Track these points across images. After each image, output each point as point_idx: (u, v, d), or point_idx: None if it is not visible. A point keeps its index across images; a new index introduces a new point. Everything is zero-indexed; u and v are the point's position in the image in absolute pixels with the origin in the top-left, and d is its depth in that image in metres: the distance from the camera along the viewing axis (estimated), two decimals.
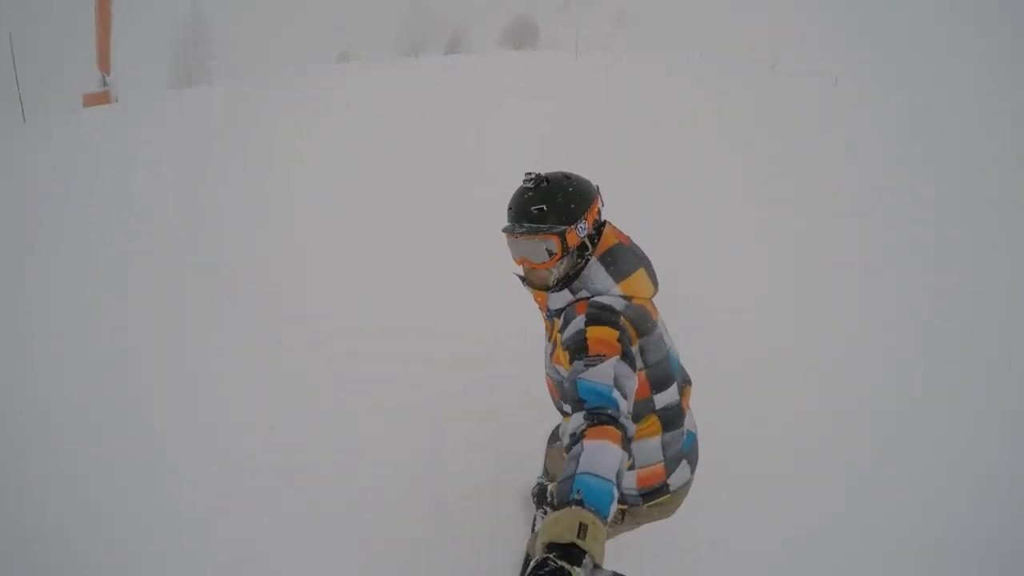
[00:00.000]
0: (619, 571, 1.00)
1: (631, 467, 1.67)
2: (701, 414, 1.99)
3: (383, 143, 3.99)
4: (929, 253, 3.46)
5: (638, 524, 1.79)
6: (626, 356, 1.39)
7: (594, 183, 1.64)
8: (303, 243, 3.29)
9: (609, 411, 1.25)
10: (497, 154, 3.66)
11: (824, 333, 3.08)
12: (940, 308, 3.19)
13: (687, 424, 1.75)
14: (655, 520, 1.80)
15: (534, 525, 2.39)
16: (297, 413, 2.64)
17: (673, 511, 1.80)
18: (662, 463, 1.68)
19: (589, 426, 1.21)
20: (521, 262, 1.63)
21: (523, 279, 1.68)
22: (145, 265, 3.10)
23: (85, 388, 2.61)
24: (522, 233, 1.55)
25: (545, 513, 2.38)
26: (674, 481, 1.72)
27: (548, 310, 1.66)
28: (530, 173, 1.59)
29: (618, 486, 1.11)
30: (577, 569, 0.96)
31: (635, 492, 1.70)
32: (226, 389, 2.68)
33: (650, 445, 1.65)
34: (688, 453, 1.75)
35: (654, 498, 1.71)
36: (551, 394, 1.77)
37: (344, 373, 2.80)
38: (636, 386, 1.40)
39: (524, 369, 2.43)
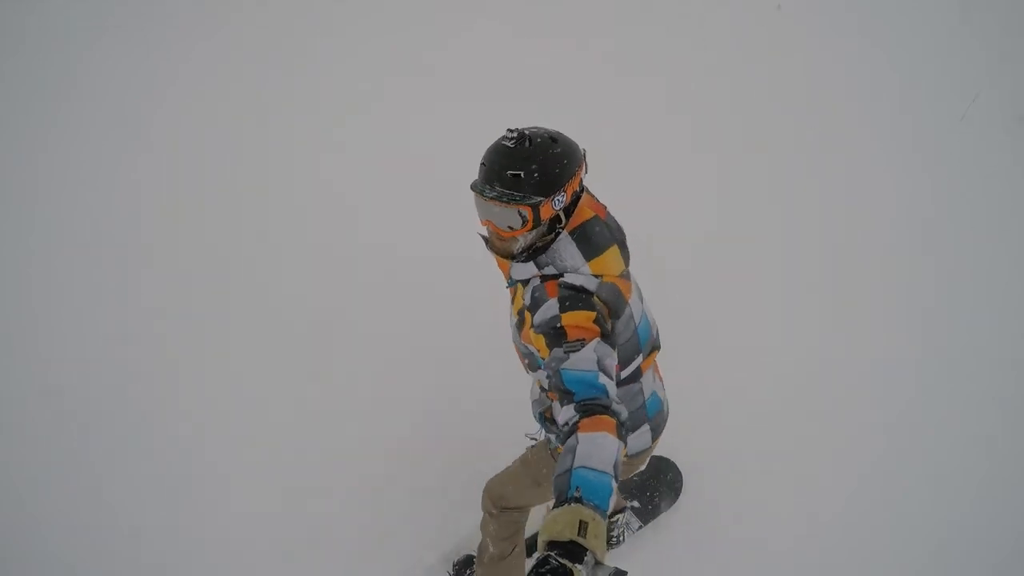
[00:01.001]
0: (621, 567, 1.00)
1: None
2: (696, 403, 1.99)
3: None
4: (931, 246, 3.45)
5: None
6: (605, 336, 1.34)
7: (581, 147, 1.50)
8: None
9: (599, 399, 1.22)
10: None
11: (822, 328, 3.07)
12: (939, 302, 3.19)
13: (652, 386, 1.72)
14: None
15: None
16: (299, 405, 2.65)
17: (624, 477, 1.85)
18: None
19: (582, 417, 1.19)
20: (486, 224, 1.51)
21: (487, 241, 1.57)
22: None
23: (87, 376, 2.62)
24: (492, 197, 1.41)
25: None
26: (632, 445, 1.70)
27: (510, 277, 1.57)
28: (513, 130, 1.44)
29: (616, 477, 1.09)
30: (579, 567, 0.96)
31: None
32: (229, 378, 2.71)
33: None
34: (652, 419, 1.72)
35: None
36: (520, 360, 1.72)
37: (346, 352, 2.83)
38: (615, 363, 1.35)
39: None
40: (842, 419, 2.75)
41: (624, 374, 1.61)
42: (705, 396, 2.61)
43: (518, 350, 1.69)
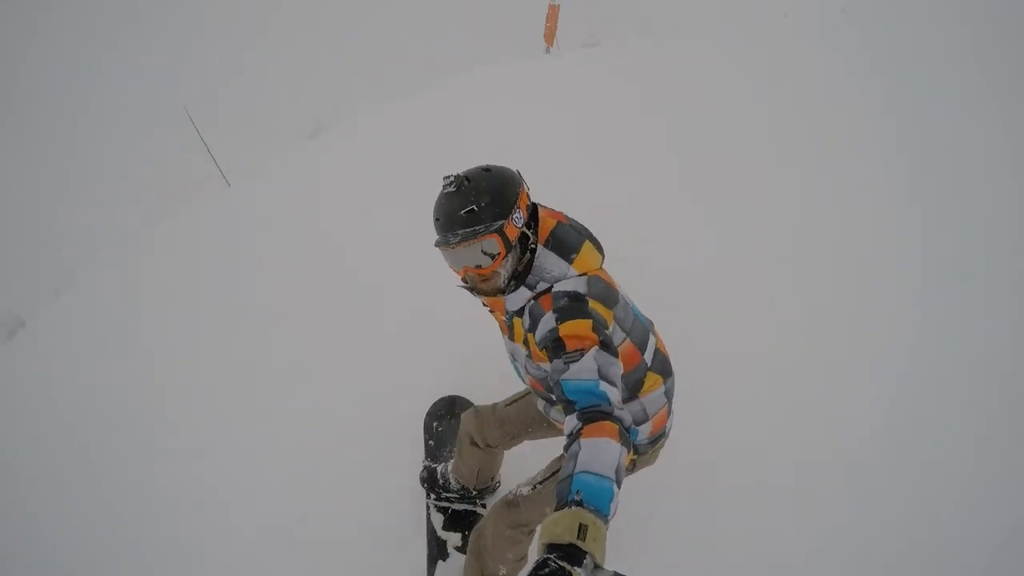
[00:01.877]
0: (620, 571, 1.00)
1: (646, 418, 1.70)
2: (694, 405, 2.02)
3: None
4: (930, 248, 3.44)
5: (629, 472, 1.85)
6: (605, 344, 1.37)
7: (514, 167, 1.58)
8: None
9: (601, 407, 1.24)
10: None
11: (812, 330, 3.06)
12: (925, 301, 3.18)
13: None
14: (644, 467, 1.87)
15: (428, 514, 2.32)
16: (297, 411, 2.65)
17: (656, 458, 1.89)
18: (666, 406, 1.75)
19: (584, 424, 1.20)
20: (465, 272, 1.54)
21: (471, 290, 1.59)
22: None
23: (93, 386, 2.62)
24: (458, 242, 1.46)
25: (437, 497, 2.32)
26: (669, 425, 1.82)
27: (507, 312, 1.59)
28: (448, 176, 1.51)
29: (619, 482, 1.11)
30: (577, 569, 0.97)
31: (647, 441, 1.76)
32: (230, 386, 2.70)
33: (657, 394, 1.70)
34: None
35: (657, 443, 1.81)
36: (537, 389, 1.76)
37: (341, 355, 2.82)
38: (621, 369, 1.38)
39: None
40: (841, 420, 2.75)
41: (649, 356, 1.67)
42: (702, 399, 2.60)
43: (534, 380, 1.70)
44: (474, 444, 2.11)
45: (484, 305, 1.65)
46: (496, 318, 1.71)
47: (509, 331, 1.66)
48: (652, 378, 1.68)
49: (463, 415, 2.13)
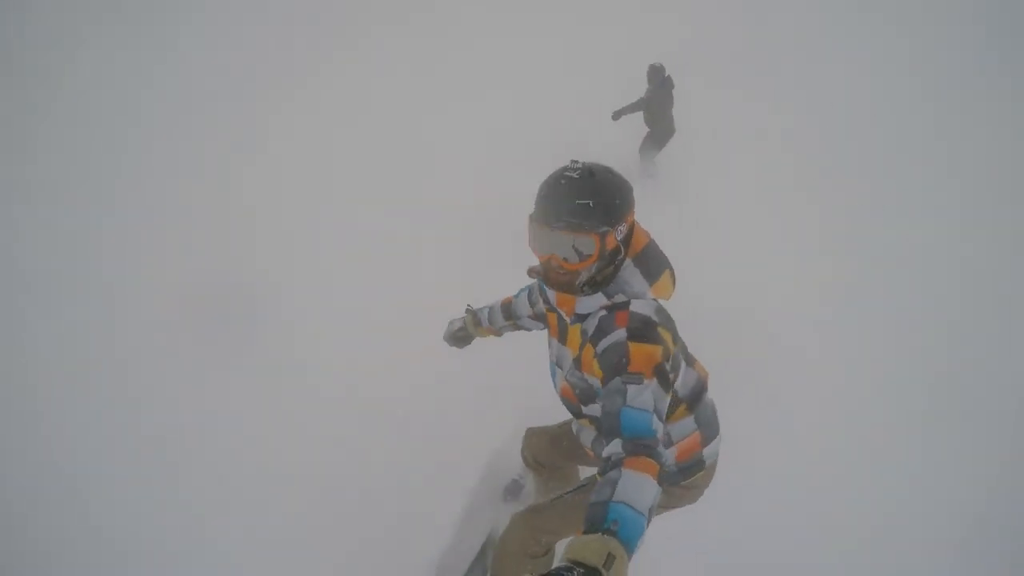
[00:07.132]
0: None
1: (670, 443, 1.65)
2: None
3: None
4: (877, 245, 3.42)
5: (667, 508, 1.77)
6: (663, 375, 1.33)
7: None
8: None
9: (647, 442, 1.22)
10: None
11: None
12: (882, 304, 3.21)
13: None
14: (683, 505, 1.78)
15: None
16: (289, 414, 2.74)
17: (699, 495, 1.79)
18: (697, 431, 1.67)
19: (627, 455, 1.19)
20: (548, 259, 1.45)
21: (543, 278, 1.50)
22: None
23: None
24: (560, 227, 1.39)
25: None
26: (708, 454, 1.71)
27: (572, 314, 1.53)
28: (576, 161, 1.45)
29: (649, 522, 1.11)
30: None
31: (675, 468, 1.69)
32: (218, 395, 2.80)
33: (684, 422, 1.66)
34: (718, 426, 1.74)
35: (691, 474, 1.71)
36: (568, 398, 1.69)
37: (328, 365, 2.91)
38: (668, 403, 1.36)
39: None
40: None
41: (685, 387, 1.62)
42: None
43: (567, 388, 1.65)
44: (535, 463, 2.17)
45: (543, 304, 1.62)
46: (550, 319, 1.67)
47: (560, 334, 1.62)
48: (679, 408, 1.64)
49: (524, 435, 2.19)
